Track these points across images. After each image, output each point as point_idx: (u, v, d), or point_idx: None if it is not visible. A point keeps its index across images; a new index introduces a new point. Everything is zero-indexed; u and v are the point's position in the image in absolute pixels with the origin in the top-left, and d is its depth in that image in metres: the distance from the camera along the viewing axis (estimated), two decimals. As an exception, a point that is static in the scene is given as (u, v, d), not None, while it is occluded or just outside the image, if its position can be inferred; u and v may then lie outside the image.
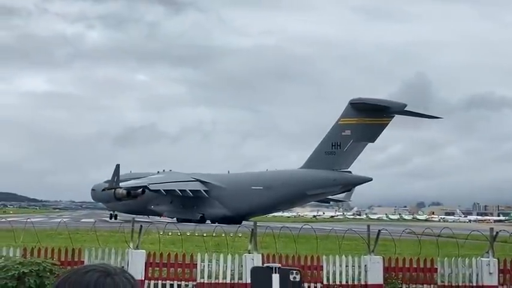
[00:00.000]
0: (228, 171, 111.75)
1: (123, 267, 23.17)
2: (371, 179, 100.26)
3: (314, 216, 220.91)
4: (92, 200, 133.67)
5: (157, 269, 23.56)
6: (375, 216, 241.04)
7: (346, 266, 24.06)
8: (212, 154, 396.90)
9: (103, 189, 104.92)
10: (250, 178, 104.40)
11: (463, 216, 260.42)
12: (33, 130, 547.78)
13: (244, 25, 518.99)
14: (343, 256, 24.29)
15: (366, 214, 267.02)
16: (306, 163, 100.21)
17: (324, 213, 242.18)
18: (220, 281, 23.34)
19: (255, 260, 23.02)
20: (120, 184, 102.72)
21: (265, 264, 21.89)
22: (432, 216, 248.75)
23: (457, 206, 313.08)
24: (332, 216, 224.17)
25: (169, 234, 45.80)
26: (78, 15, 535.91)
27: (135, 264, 22.76)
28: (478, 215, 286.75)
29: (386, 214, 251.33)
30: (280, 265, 21.36)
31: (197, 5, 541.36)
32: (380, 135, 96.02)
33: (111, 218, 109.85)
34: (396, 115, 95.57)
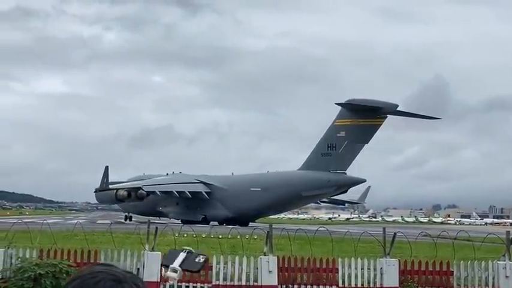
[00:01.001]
0: (232, 173, 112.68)
1: (138, 269, 23.19)
2: (365, 180, 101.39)
3: (329, 218, 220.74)
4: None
5: (173, 270, 23.56)
6: (391, 219, 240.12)
7: (361, 269, 24.02)
8: (228, 156, 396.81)
9: (94, 191, 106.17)
10: (250, 180, 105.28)
11: (479, 218, 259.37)
12: (50, 131, 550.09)
13: (260, 27, 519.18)
14: (359, 259, 24.25)
15: (382, 216, 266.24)
16: (303, 164, 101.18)
17: (339, 215, 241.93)
18: (236, 283, 23.34)
19: (270, 262, 23.03)
20: (115, 186, 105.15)
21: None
22: (448, 218, 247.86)
23: (473, 208, 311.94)
24: (347, 219, 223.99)
25: (185, 236, 45.85)
26: (95, 17, 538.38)
27: (151, 266, 22.79)
28: (494, 217, 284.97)
29: (402, 216, 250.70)
30: (192, 250, 21.71)
31: (214, 7, 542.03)
32: (374, 136, 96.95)
33: (125, 220, 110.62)
34: (389, 115, 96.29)
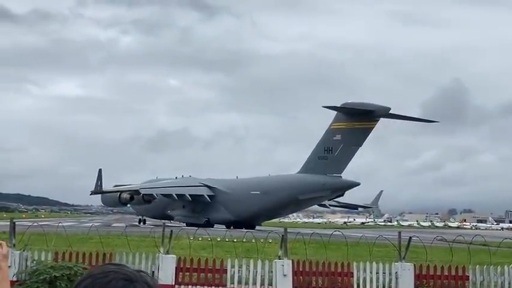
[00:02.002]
0: (237, 177, 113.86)
1: (153, 272, 23.19)
2: (359, 184, 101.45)
3: (345, 222, 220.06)
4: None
5: (188, 274, 23.60)
6: (406, 223, 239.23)
7: (376, 273, 23.93)
8: (243, 160, 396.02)
9: (90, 193, 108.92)
10: (251, 183, 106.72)
11: (495, 223, 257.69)
12: (66, 134, 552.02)
13: (277, 30, 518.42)
14: (374, 263, 24.17)
15: (397, 221, 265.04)
16: (302, 168, 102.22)
17: (354, 219, 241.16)
18: (250, 287, 23.32)
19: (285, 266, 22.99)
20: (116, 188, 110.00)
21: None
22: (464, 223, 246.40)
23: (489, 213, 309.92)
24: (363, 223, 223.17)
25: (200, 239, 45.92)
26: (112, 20, 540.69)
27: (166, 269, 22.82)
28: (510, 222, 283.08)
29: (417, 221, 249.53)
30: None
31: (231, 10, 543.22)
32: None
33: (140, 223, 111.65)
34: (382, 118, 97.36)
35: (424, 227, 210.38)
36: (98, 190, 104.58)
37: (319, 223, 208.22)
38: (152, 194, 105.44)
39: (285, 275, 23.03)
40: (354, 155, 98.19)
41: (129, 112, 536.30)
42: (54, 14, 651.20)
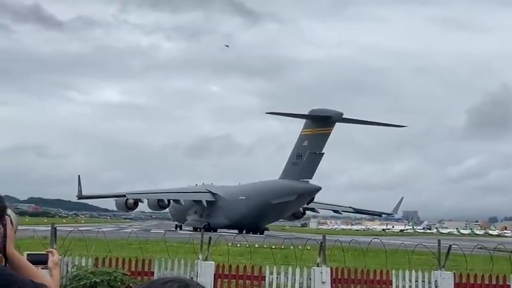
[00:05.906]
0: (239, 183, 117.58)
1: (192, 278, 23.33)
2: (320, 188, 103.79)
3: (383, 229, 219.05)
4: (162, 211, 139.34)
5: (226, 280, 23.66)
6: (446, 231, 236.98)
7: (416, 281, 23.76)
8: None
9: (77, 198, 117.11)
10: (241, 189, 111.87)
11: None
12: (107, 140, 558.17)
13: (319, 36, 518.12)
14: (413, 271, 24.00)
15: (437, 228, 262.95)
16: (282, 174, 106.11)
17: (393, 226, 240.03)
18: (289, 294, 23.32)
19: (323, 273, 22.94)
20: (95, 194, 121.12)
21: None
22: (505, 231, 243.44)
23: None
24: (401, 230, 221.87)
25: (238, 246, 45.99)
26: (155, 26, 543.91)
27: (204, 275, 22.90)
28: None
29: (457, 228, 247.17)
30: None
31: (275, 16, 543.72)
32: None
33: (176, 228, 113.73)
34: (337, 123, 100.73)
35: (464, 234, 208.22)
36: (80, 195, 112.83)
37: (357, 230, 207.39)
38: (139, 199, 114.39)
39: (323, 283, 22.99)
40: (319, 160, 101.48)
41: (170, 118, 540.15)
42: (99, 20, 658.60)
